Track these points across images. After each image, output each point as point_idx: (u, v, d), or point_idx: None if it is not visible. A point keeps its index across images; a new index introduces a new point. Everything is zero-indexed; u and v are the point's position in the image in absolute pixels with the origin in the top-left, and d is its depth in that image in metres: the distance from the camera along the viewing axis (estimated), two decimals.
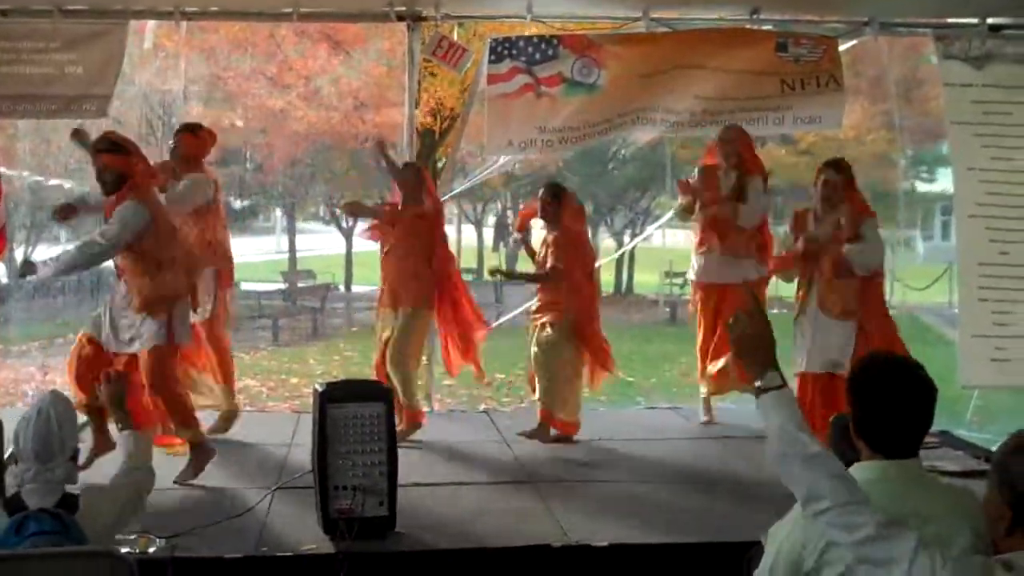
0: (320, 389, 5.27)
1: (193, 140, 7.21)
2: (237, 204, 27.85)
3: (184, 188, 6.97)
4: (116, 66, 8.07)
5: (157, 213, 6.03)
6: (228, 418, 7.30)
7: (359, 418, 5.13)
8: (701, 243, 7.74)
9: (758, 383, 2.68)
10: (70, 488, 3.64)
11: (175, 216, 6.60)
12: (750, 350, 2.73)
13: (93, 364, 6.00)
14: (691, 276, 7.97)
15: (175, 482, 5.94)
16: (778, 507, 2.90)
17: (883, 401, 2.76)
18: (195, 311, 6.48)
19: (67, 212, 6.47)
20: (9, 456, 3.76)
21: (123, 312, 6.06)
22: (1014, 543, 2.57)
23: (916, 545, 2.45)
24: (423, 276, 7.25)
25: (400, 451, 5.22)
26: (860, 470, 2.73)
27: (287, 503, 5.67)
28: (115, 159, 5.95)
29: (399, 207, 7.37)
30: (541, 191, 7.58)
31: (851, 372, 2.94)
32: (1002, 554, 2.56)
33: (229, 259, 7.39)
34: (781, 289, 8.32)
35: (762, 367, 2.69)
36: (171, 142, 7.34)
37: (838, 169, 6.83)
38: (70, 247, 6.20)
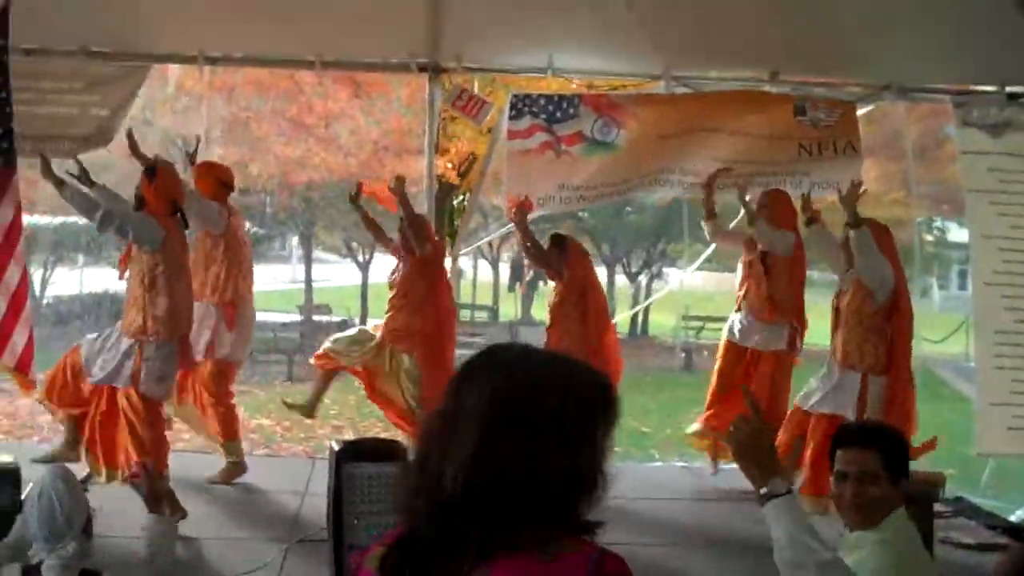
0: (336, 447, 5.29)
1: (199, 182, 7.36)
2: (255, 231, 28.00)
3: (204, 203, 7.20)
4: (129, 106, 8.21)
5: (172, 232, 6.46)
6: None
7: (375, 478, 5.14)
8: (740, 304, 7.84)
9: (763, 490, 2.66)
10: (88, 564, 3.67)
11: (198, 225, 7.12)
12: (752, 458, 2.70)
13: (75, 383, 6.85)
14: (725, 335, 7.95)
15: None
16: None
17: None
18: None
19: None
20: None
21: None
22: None
23: None
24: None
25: None
26: None
27: (301, 557, 5.71)
28: (144, 183, 6.51)
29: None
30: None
31: None
32: None
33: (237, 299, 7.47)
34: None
35: (767, 474, 2.67)
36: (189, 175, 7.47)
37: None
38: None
